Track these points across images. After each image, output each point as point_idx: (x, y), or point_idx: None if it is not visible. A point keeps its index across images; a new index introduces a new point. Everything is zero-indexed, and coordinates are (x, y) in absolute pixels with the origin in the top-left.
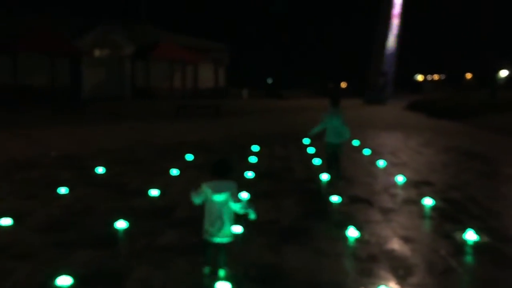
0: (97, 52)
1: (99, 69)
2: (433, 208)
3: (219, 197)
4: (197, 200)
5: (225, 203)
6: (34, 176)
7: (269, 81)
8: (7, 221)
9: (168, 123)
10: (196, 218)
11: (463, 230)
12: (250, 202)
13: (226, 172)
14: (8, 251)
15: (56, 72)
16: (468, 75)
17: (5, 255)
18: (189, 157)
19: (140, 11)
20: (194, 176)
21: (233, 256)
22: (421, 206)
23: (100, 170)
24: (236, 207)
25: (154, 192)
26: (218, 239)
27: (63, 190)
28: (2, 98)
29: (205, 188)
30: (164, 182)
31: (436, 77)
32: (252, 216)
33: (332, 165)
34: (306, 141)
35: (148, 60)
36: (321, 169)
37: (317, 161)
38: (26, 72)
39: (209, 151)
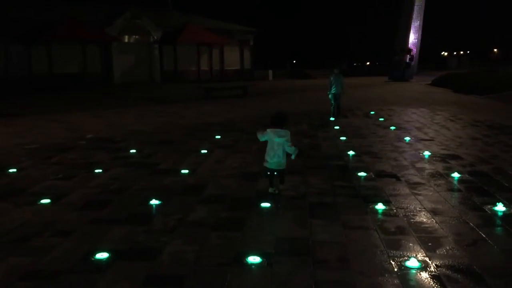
0: (126, 38)
1: (129, 55)
2: (461, 181)
3: (278, 140)
4: (261, 138)
5: (281, 144)
6: (70, 158)
7: (293, 61)
8: (46, 201)
9: (197, 105)
10: (226, 195)
11: (492, 202)
12: (295, 147)
13: (282, 122)
14: (48, 229)
15: (87, 59)
16: (495, 50)
17: (46, 232)
18: (218, 137)
19: None
20: (222, 155)
21: (263, 231)
22: (449, 180)
23: (132, 151)
24: (287, 148)
25: (184, 171)
26: (275, 168)
27: (98, 171)
28: (38, 87)
29: (270, 132)
30: (194, 161)
31: (461, 52)
32: (293, 157)
33: (335, 104)
34: (331, 119)
35: (175, 44)
36: (347, 146)
37: (343, 138)
38: (59, 60)
39: (236, 131)
